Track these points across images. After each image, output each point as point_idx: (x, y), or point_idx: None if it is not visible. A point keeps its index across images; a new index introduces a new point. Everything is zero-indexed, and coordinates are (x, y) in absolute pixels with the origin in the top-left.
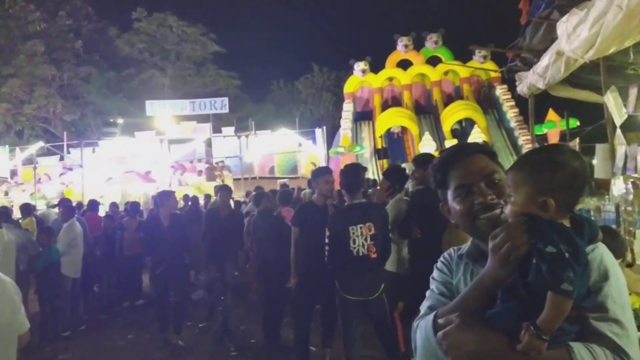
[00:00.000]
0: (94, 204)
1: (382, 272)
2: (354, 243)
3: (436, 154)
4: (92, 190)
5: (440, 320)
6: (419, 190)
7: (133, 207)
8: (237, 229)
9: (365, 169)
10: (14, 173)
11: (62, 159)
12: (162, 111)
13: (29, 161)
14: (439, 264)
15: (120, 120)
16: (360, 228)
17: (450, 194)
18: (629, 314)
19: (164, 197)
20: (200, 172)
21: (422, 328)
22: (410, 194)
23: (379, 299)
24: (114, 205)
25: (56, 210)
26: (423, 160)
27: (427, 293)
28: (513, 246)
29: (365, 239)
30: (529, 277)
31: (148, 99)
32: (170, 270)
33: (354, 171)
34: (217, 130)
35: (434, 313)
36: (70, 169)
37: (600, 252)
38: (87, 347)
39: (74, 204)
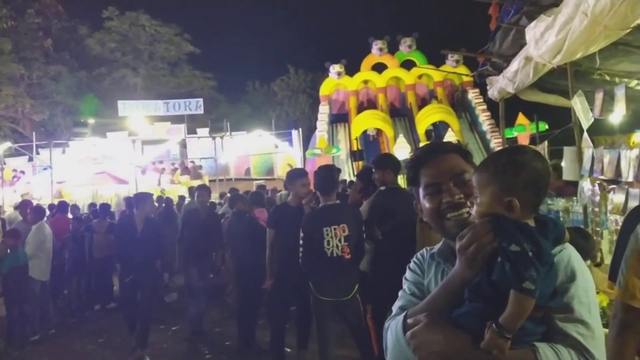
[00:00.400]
0: (63, 206)
1: (356, 273)
2: (328, 244)
3: (410, 156)
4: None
5: (409, 321)
6: (379, 191)
7: (103, 209)
8: (216, 230)
9: (339, 171)
10: None
11: (31, 159)
12: (135, 112)
13: None
14: (411, 264)
15: (91, 121)
16: (334, 229)
17: (421, 192)
18: (596, 314)
19: (140, 200)
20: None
21: (392, 328)
22: (373, 196)
23: (353, 300)
24: (74, 208)
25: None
26: (382, 161)
27: (400, 293)
28: (480, 246)
29: (340, 240)
30: (493, 275)
31: (120, 99)
32: (140, 277)
33: (328, 173)
34: (191, 131)
35: (404, 313)
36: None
37: (568, 253)
38: (57, 352)
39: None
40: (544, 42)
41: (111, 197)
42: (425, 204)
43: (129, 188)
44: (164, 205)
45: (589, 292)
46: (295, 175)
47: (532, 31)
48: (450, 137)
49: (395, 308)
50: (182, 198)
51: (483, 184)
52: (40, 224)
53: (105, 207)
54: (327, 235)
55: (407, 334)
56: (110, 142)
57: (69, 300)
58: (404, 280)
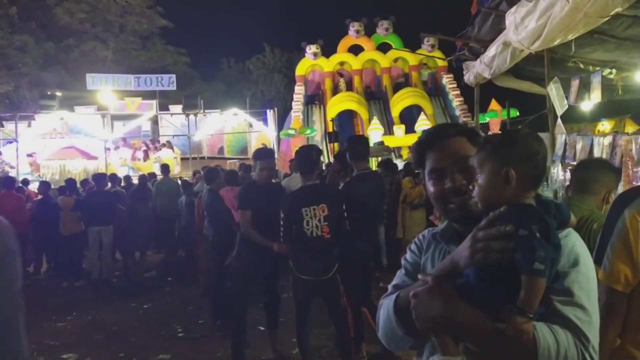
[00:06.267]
0: (9, 181)
1: (335, 253)
2: (308, 224)
3: (383, 138)
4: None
5: (419, 276)
6: (349, 179)
7: (69, 185)
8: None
9: (320, 152)
10: None
11: None
12: (105, 86)
13: None
14: (412, 245)
15: (58, 93)
16: (314, 209)
17: (426, 175)
18: (594, 302)
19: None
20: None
21: (384, 306)
22: (345, 184)
23: (333, 279)
24: (45, 184)
25: None
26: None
27: (397, 273)
28: (488, 249)
29: (319, 220)
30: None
31: (89, 72)
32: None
33: (308, 153)
34: (164, 107)
35: (397, 293)
36: None
37: (573, 239)
38: (26, 330)
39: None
40: (523, 27)
41: (79, 172)
42: (430, 187)
43: (98, 163)
44: (138, 182)
45: (590, 279)
46: (258, 156)
47: (513, 16)
48: (422, 120)
49: (390, 286)
50: (152, 175)
51: (481, 161)
52: None
53: (71, 182)
54: (306, 216)
55: (410, 293)
56: (79, 116)
57: (36, 278)
58: (402, 260)
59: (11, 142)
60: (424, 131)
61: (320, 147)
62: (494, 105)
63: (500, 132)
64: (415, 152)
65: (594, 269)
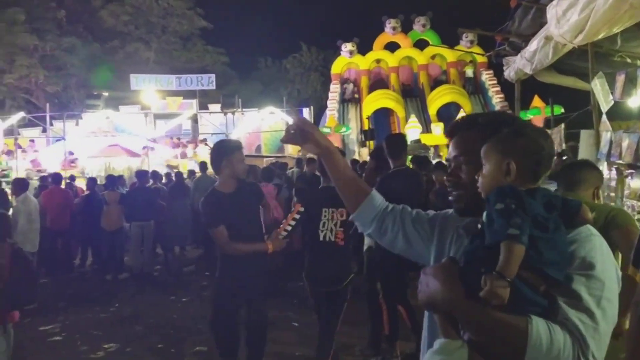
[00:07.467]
0: (57, 177)
1: (349, 262)
2: (324, 226)
3: (421, 136)
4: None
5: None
6: (385, 175)
7: (113, 180)
8: None
9: (343, 152)
10: None
11: (44, 130)
12: (147, 85)
13: (10, 132)
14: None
15: (105, 93)
16: (332, 212)
17: None
18: (607, 310)
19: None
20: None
21: None
22: (378, 182)
23: (343, 291)
24: (92, 180)
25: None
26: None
27: None
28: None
29: (335, 224)
30: (486, 240)
31: (133, 72)
32: None
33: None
34: (203, 106)
35: None
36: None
37: (593, 243)
38: (70, 320)
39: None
40: (565, 20)
41: (124, 169)
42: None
43: (141, 161)
44: (173, 179)
45: (606, 287)
46: (231, 148)
47: (554, 9)
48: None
49: None
50: (192, 172)
51: (487, 153)
52: (24, 196)
53: (117, 178)
54: (324, 217)
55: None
56: (123, 115)
57: (81, 271)
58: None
59: (59, 140)
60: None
61: (356, 146)
62: (536, 102)
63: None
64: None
65: (615, 279)
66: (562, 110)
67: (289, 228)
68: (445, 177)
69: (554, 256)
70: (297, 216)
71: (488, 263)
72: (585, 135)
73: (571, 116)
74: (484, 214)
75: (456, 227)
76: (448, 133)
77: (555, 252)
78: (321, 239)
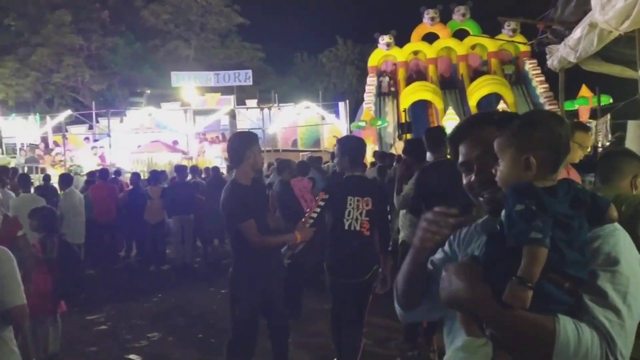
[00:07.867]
0: (103, 173)
1: (373, 253)
2: (349, 215)
3: None
4: (120, 158)
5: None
6: (420, 171)
7: (156, 175)
8: None
9: (364, 144)
10: (44, 140)
11: (91, 127)
12: (187, 82)
13: (59, 129)
14: (445, 246)
15: (147, 91)
16: (358, 201)
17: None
18: (633, 304)
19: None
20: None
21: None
22: (418, 174)
23: (367, 284)
24: (136, 175)
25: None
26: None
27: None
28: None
29: (361, 214)
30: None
31: (173, 70)
32: None
33: (360, 144)
34: (240, 102)
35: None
36: (96, 140)
37: (617, 238)
38: (115, 310)
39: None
40: (611, 6)
41: (165, 164)
42: (463, 180)
43: (182, 156)
44: (211, 173)
45: (631, 283)
46: (251, 139)
47: None
48: (503, 109)
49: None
50: (230, 167)
51: (502, 147)
52: (69, 190)
53: (160, 173)
54: (349, 206)
55: (446, 265)
56: (164, 112)
57: (126, 263)
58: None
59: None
60: (456, 125)
61: (393, 139)
62: (584, 91)
63: (525, 113)
64: (450, 144)
65: (639, 270)
66: (611, 100)
67: (315, 215)
68: (469, 180)
69: (576, 256)
70: (322, 203)
71: (509, 265)
72: (632, 125)
73: (618, 106)
74: (502, 213)
75: (469, 238)
76: (458, 136)
77: (577, 251)
78: (346, 227)
